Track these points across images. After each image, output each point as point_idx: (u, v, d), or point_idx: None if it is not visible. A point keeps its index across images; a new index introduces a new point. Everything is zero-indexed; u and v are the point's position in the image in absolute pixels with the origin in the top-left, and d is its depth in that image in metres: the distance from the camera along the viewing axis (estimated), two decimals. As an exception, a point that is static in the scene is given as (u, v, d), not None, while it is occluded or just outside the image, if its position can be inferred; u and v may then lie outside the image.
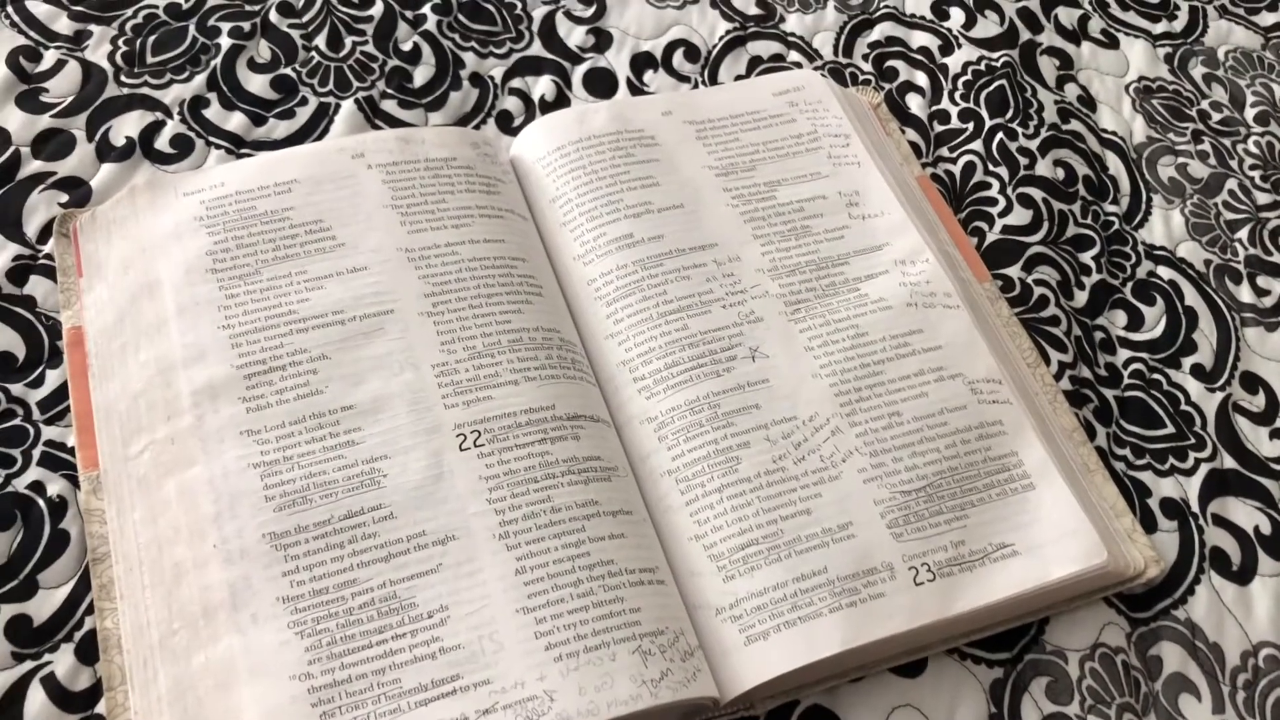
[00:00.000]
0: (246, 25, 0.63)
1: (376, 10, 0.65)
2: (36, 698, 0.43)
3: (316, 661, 0.41)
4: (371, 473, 0.45)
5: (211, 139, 0.59)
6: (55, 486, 0.48)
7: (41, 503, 0.47)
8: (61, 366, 0.50)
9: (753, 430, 0.49)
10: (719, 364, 0.51)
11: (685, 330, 0.51)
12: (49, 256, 0.53)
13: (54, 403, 0.50)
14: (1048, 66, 0.70)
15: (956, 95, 0.67)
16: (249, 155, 0.57)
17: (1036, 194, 0.64)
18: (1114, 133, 0.68)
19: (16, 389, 0.50)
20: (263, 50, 0.63)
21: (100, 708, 0.43)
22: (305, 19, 0.64)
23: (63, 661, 0.44)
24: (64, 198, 0.55)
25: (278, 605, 0.42)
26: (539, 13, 0.67)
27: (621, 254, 0.54)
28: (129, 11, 0.63)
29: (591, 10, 0.68)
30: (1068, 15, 0.73)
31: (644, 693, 0.42)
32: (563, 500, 0.45)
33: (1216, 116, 0.70)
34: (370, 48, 0.64)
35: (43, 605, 0.45)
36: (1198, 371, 0.59)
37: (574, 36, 0.67)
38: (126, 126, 0.58)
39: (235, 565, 0.43)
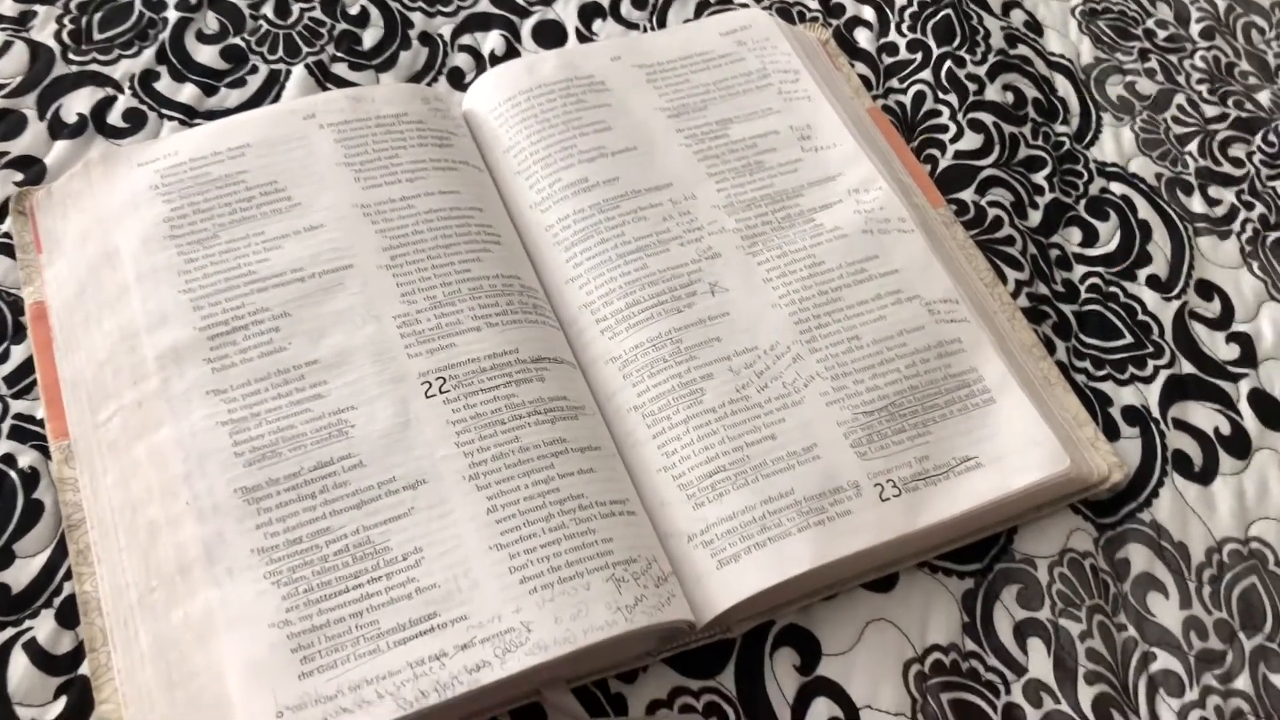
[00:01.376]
0: (193, -2, 0.63)
1: (322, -24, 0.65)
2: (20, 663, 0.44)
3: (294, 609, 0.41)
4: (339, 424, 0.45)
5: (164, 111, 0.59)
6: (26, 458, 0.48)
7: (14, 475, 0.48)
8: (26, 341, 0.50)
9: (715, 362, 0.49)
10: (679, 300, 0.51)
11: (644, 270, 0.52)
12: (7, 235, 0.53)
13: (20, 377, 0.50)
14: (993, -6, 0.71)
15: (904, 27, 0.68)
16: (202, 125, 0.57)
17: (987, 119, 0.64)
18: (1061, 55, 0.68)
19: (-18, 367, 0.50)
20: (210, 21, 0.62)
21: (84, 669, 0.44)
22: (251, -11, 0.64)
23: (44, 627, 0.44)
24: (19, 177, 0.55)
25: (252, 557, 0.42)
26: (485, -31, 0.67)
27: (577, 199, 0.54)
28: (74, -9, 0.62)
29: (537, -36, 0.68)
30: (1011, -58, 0.74)
31: (619, 618, 0.42)
32: (530, 440, 0.46)
33: (1162, 34, 0.71)
34: (318, 13, 0.64)
35: (20, 574, 0.46)
36: (1153, 282, 0.60)
37: (521, -10, 0.67)
38: (77, 103, 0.58)
39: (208, 521, 0.43)
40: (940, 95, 0.65)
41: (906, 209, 0.55)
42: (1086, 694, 0.47)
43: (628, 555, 0.44)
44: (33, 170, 0.55)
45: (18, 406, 0.49)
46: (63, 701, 0.43)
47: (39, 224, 0.52)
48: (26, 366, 0.50)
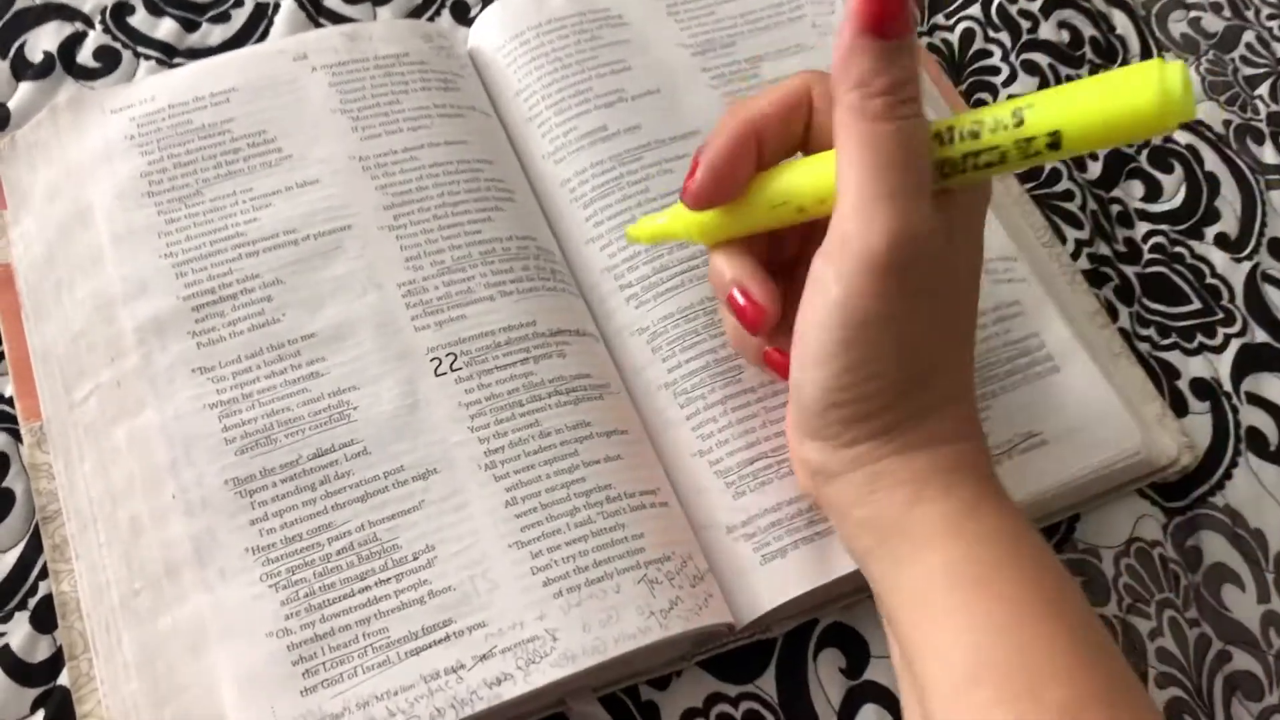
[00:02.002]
0: (169, -78, 0.58)
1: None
2: (-7, 674, 0.40)
3: (294, 615, 0.38)
4: (340, 406, 0.41)
5: (140, 49, 0.54)
6: (-4, 442, 0.44)
7: (-19, 459, 0.44)
8: (-8, 310, 0.46)
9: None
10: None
11: None
12: (-33, 189, 0.48)
13: (-13, 350, 0.46)
14: (1046, -79, 0.66)
15: (950, -43, 0.63)
16: (182, 65, 0.52)
17: (1041, 60, 0.59)
18: (1120, -12, 0.64)
19: (-58, 335, 0.46)
20: (190, -52, 0.57)
21: (63, 679, 0.40)
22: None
23: (18, 632, 0.41)
24: (-21, 123, 0.51)
25: (247, 557, 0.39)
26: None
27: (595, 149, 0.49)
28: (37, -86, 0.57)
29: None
30: None
31: (653, 625, 0.38)
32: (552, 423, 0.42)
33: (1229, -36, 0.66)
34: (308, -61, 0.58)
35: (-9, 572, 0.42)
36: (1222, 241, 0.55)
37: (531, -86, 0.61)
38: (43, 40, 0.53)
39: (197, 517, 0.39)
40: (990, 33, 0.60)
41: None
42: (1159, 698, 0.44)
43: (661, 553, 0.40)
44: (-6, 116, 0.51)
45: (-18, 383, 0.45)
46: (40, 715, 0.40)
47: (3, 177, 0.47)
48: (-8, 338, 0.46)
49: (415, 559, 0.39)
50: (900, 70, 0.32)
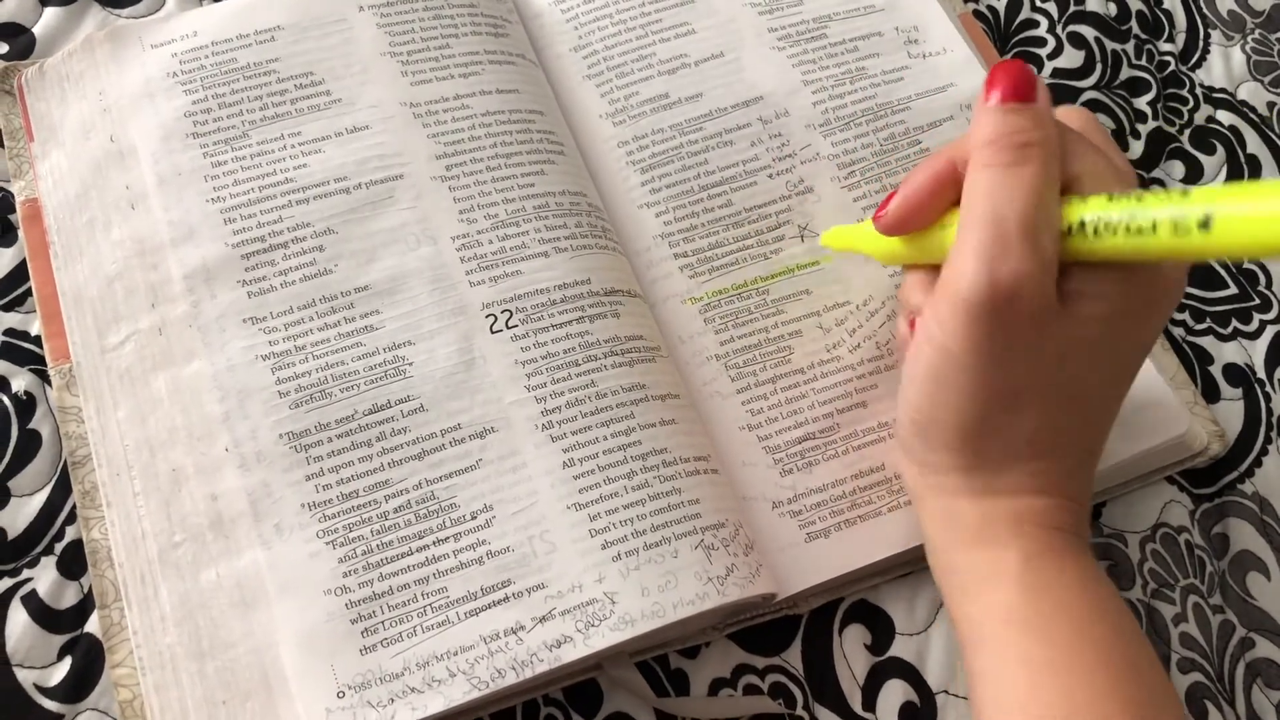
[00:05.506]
0: None
1: None
2: (18, 619, 0.42)
3: (352, 573, 0.40)
4: (395, 361, 0.43)
5: (168, -25, 0.54)
6: (20, 381, 0.45)
7: (6, 400, 0.45)
8: (17, 244, 0.47)
9: (804, 318, 0.48)
10: (766, 246, 0.49)
11: (730, 207, 0.50)
12: (-10, 116, 0.49)
13: (12, 285, 0.47)
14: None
15: (996, -80, 0.65)
16: (214, -3, 0.53)
17: (1088, 32, 0.62)
18: (1166, -40, 0.66)
19: (-35, 271, 0.47)
20: None
21: (90, 626, 0.42)
22: None
23: (44, 577, 0.43)
24: (3, 48, 0.51)
25: (304, 513, 0.40)
26: None
27: (657, 116, 0.51)
28: None
29: None
30: None
31: (710, 590, 0.41)
32: (608, 385, 0.44)
33: (1276, -59, 0.68)
34: None
35: (17, 515, 0.43)
36: (1261, 226, 0.58)
37: None
38: (67, -38, 0.54)
39: (253, 471, 0.41)
40: (1038, 3, 0.62)
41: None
42: (1180, 683, 0.47)
43: (716, 519, 0.43)
44: (19, 41, 0.51)
45: (9, 320, 0.46)
46: (68, 663, 0.41)
47: (30, 107, 0.48)
48: (19, 274, 0.47)
49: (473, 518, 0.41)
50: (1012, 124, 0.35)
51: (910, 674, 0.46)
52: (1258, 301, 0.56)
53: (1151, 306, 0.37)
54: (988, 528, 0.38)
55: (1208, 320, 0.55)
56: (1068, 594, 0.37)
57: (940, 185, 0.39)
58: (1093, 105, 0.59)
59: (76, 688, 0.41)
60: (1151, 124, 0.60)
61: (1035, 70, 0.37)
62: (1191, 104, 0.61)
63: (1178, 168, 0.59)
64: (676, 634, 0.44)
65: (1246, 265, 0.57)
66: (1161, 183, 0.59)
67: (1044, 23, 0.62)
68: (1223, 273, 0.57)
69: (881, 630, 0.46)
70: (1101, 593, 0.38)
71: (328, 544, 0.40)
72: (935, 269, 0.40)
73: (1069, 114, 0.40)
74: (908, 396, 0.39)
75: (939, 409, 0.38)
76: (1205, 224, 0.31)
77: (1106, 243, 0.34)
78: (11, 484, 0.44)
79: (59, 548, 0.43)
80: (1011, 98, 0.36)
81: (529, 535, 0.41)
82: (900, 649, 0.46)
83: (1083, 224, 0.34)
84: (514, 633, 0.39)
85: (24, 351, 0.46)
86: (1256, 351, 0.55)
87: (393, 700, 0.38)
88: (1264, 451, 0.53)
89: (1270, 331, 0.56)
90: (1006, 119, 0.36)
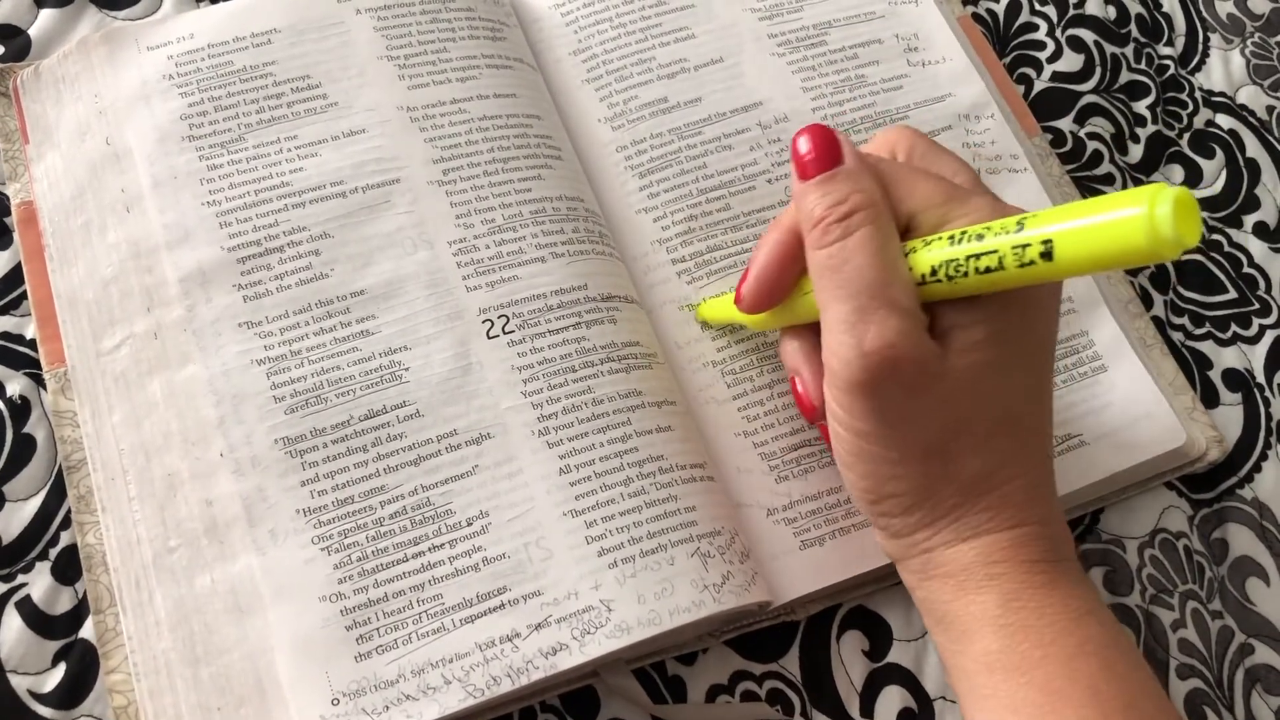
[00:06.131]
0: None
1: None
2: (13, 624, 0.42)
3: (347, 580, 0.40)
4: (391, 366, 0.43)
5: (165, -23, 0.54)
6: (15, 385, 0.45)
7: (1, 404, 0.45)
8: (13, 247, 0.47)
9: None
10: None
11: (728, 210, 0.50)
12: (-14, 118, 0.49)
13: (7, 288, 0.47)
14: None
15: (996, -78, 0.65)
16: (210, 1, 0.53)
17: (1087, 36, 0.62)
18: (1165, -37, 0.66)
19: (-40, 274, 0.47)
20: None
21: (85, 632, 0.42)
22: None
23: (39, 582, 0.43)
24: (-1, 50, 0.51)
25: (298, 519, 0.40)
26: None
27: (656, 120, 0.51)
28: None
29: None
30: None
31: (707, 598, 0.41)
32: (604, 391, 0.44)
33: (1275, -56, 0.68)
34: None
35: (11, 520, 0.43)
36: (1261, 230, 0.59)
37: None
38: (63, -36, 0.54)
39: (247, 476, 0.41)
40: (1037, 6, 0.62)
41: (1019, 143, 0.53)
42: (1179, 689, 0.47)
43: (712, 527, 0.43)
44: (14, 43, 0.51)
45: (3, 323, 0.46)
46: (62, 668, 0.41)
47: (25, 109, 0.48)
48: (14, 277, 0.47)
49: (469, 525, 0.41)
50: (830, 197, 0.36)
51: (908, 680, 0.46)
52: (1257, 306, 0.56)
53: (1033, 311, 0.37)
54: (964, 575, 0.38)
55: (1207, 325, 0.55)
56: (1050, 632, 0.37)
57: (786, 258, 0.39)
58: (1092, 109, 0.59)
59: (71, 694, 0.41)
60: (1151, 128, 0.60)
61: (829, 127, 0.38)
62: (1191, 108, 0.61)
63: (1177, 171, 0.59)
64: (673, 641, 0.44)
65: (1246, 270, 0.57)
66: (1161, 187, 0.58)
67: (1043, 26, 0.62)
68: (1222, 278, 0.57)
69: (879, 637, 0.46)
70: (1090, 628, 0.37)
71: (323, 550, 0.40)
72: (808, 328, 0.41)
73: (891, 137, 0.41)
74: (849, 480, 0.39)
75: (881, 483, 0.38)
76: (1047, 253, 0.31)
77: (961, 285, 0.34)
78: (6, 489, 0.44)
79: (53, 553, 0.43)
80: (818, 169, 0.36)
81: (525, 542, 0.41)
82: (898, 655, 0.46)
83: (934, 271, 0.34)
84: (510, 640, 0.39)
85: (19, 355, 0.46)
86: (1256, 356, 0.55)
87: (388, 707, 0.38)
88: (1263, 457, 0.53)
89: (1270, 336, 0.56)
90: (823, 192, 0.36)
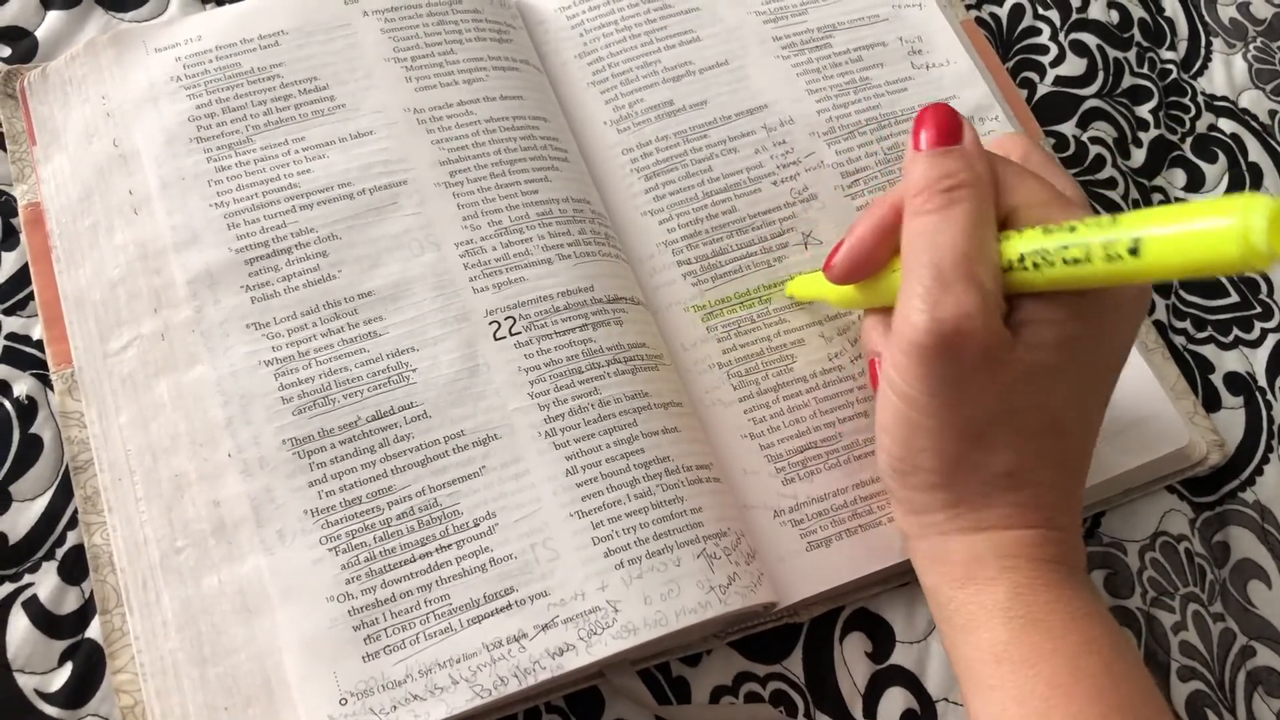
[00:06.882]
0: None
1: None
2: (19, 624, 0.42)
3: (355, 580, 0.40)
4: (399, 367, 0.43)
5: (172, -21, 0.55)
6: (22, 386, 0.46)
7: (8, 404, 0.45)
8: (19, 248, 0.47)
9: (806, 327, 0.48)
10: (770, 253, 0.49)
11: (734, 213, 0.50)
12: (-7, 120, 0.49)
13: (14, 289, 0.47)
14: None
15: (999, -73, 0.65)
16: (217, 3, 0.53)
17: (1090, 40, 0.62)
18: (1168, -32, 0.66)
19: (-32, 275, 0.47)
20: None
21: (92, 632, 0.42)
22: None
23: (45, 582, 0.43)
24: (6, 52, 0.51)
25: (306, 519, 0.41)
26: None
27: (661, 123, 0.51)
28: None
29: None
30: None
31: (712, 599, 0.41)
32: (611, 392, 0.44)
33: (1278, -51, 0.69)
34: None
35: (18, 520, 0.44)
36: (1263, 235, 0.59)
37: None
38: (71, -34, 0.54)
39: (255, 476, 0.41)
40: (1040, 10, 0.62)
41: (1023, 146, 0.53)
42: (1180, 691, 0.47)
43: (718, 528, 0.43)
44: (22, 44, 0.51)
45: (11, 324, 0.46)
46: (69, 668, 0.42)
47: (32, 111, 0.48)
48: (21, 278, 0.47)
49: (476, 525, 0.41)
50: (939, 168, 0.36)
51: (911, 682, 0.46)
52: (1259, 310, 0.57)
53: (1110, 326, 0.37)
54: (976, 564, 0.39)
55: (1209, 329, 0.56)
56: (1058, 628, 0.37)
57: (884, 232, 0.39)
58: (1094, 113, 0.60)
59: (78, 693, 0.41)
60: (1153, 132, 0.60)
61: (959, 112, 0.38)
62: (1193, 112, 0.62)
63: (1179, 176, 0.60)
64: (678, 642, 0.44)
65: (1247, 274, 0.57)
66: (1164, 191, 0.59)
67: (1046, 30, 0.62)
68: (1224, 281, 0.57)
69: (882, 638, 0.46)
70: (1094, 628, 0.38)
71: (330, 550, 0.40)
72: (890, 311, 0.40)
73: (1008, 143, 0.41)
74: (883, 445, 0.39)
75: (914, 454, 0.38)
76: (1134, 250, 0.31)
77: (1046, 274, 0.34)
78: (13, 489, 0.44)
79: (60, 553, 0.43)
80: (938, 142, 0.37)
81: (531, 543, 0.41)
82: (901, 657, 0.46)
83: (1021, 258, 0.35)
84: (516, 640, 0.40)
85: (26, 356, 0.46)
86: (1258, 360, 0.55)
87: (395, 707, 0.38)
88: (1265, 460, 0.53)
89: (1272, 340, 0.56)
90: (934, 164, 0.36)
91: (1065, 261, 0.33)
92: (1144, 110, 0.61)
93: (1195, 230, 0.30)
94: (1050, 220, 0.36)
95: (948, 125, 0.37)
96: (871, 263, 0.40)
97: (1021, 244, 0.35)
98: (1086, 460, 0.40)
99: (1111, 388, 0.39)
